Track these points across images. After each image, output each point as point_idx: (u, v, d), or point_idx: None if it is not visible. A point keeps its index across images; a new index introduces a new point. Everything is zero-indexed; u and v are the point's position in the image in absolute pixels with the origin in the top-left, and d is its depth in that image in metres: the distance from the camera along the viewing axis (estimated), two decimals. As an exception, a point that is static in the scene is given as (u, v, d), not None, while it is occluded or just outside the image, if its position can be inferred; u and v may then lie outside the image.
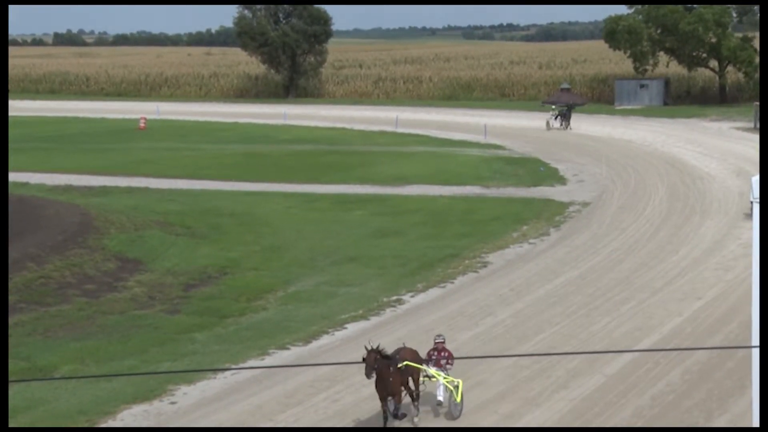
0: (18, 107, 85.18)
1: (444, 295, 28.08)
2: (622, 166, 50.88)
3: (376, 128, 71.42)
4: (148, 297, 27.89)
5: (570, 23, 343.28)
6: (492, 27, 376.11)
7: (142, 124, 73.41)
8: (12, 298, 26.47)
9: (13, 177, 42.39)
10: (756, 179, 12.02)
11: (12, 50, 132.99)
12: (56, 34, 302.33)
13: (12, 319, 24.90)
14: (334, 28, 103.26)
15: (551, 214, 39.17)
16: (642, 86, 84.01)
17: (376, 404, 19.68)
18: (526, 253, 32.94)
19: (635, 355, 22.00)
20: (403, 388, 18.25)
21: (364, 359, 17.70)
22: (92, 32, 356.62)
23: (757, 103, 63.93)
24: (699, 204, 40.21)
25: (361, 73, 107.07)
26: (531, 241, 34.61)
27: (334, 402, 19.85)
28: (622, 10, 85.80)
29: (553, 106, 70.67)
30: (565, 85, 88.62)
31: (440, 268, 30.88)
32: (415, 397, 18.57)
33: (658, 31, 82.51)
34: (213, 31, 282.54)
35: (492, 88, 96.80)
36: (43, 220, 34.72)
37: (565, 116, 67.69)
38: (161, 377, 21.02)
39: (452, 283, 29.34)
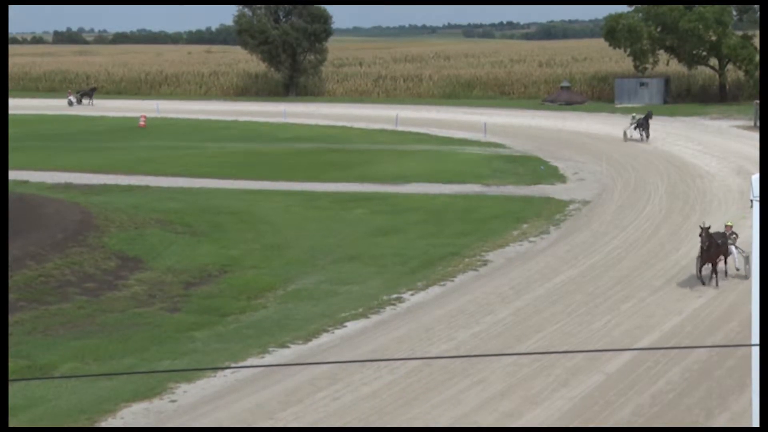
0: (18, 105, 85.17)
1: (444, 293, 28.10)
2: (622, 164, 50.87)
3: (376, 126, 71.43)
4: (149, 295, 27.91)
5: (570, 21, 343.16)
6: (492, 25, 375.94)
7: (142, 123, 73.40)
8: (12, 297, 26.49)
9: (13, 175, 42.37)
10: (756, 177, 12.01)
11: (12, 48, 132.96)
12: (56, 33, 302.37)
13: (12, 318, 24.92)
14: (334, 26, 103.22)
15: (551, 212, 39.18)
16: (642, 84, 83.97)
17: (375, 403, 19.72)
18: (527, 251, 32.95)
19: (635, 353, 22.02)
20: None
21: None
22: (92, 30, 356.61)
23: (757, 102, 63.93)
24: (699, 202, 40.22)
25: (361, 71, 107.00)
26: (531, 239, 34.63)
27: (334, 400, 19.87)
28: (622, 9, 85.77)
29: (634, 114, 61.39)
30: (566, 84, 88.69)
31: (440, 266, 30.90)
32: None
33: (658, 30, 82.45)
34: (213, 29, 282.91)
35: (492, 86, 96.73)
36: (43, 219, 34.71)
37: (642, 125, 58.70)
38: (161, 376, 21.05)
39: (452, 281, 29.36)
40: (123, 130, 71.58)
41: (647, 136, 58.14)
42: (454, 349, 22.94)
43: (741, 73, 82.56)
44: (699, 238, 27.58)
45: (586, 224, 36.81)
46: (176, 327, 24.98)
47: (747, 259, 27.18)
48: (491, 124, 66.74)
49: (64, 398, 20.30)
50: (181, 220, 37.24)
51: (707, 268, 27.77)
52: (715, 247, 27.31)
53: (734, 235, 28.77)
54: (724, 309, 25.63)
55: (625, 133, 59.33)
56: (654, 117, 60.17)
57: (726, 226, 29.00)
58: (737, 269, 28.26)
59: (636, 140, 58.09)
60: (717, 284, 27.43)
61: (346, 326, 25.08)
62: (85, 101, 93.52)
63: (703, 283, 27.51)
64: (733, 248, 28.36)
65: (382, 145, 61.61)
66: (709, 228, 27.27)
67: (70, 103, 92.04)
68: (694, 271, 28.24)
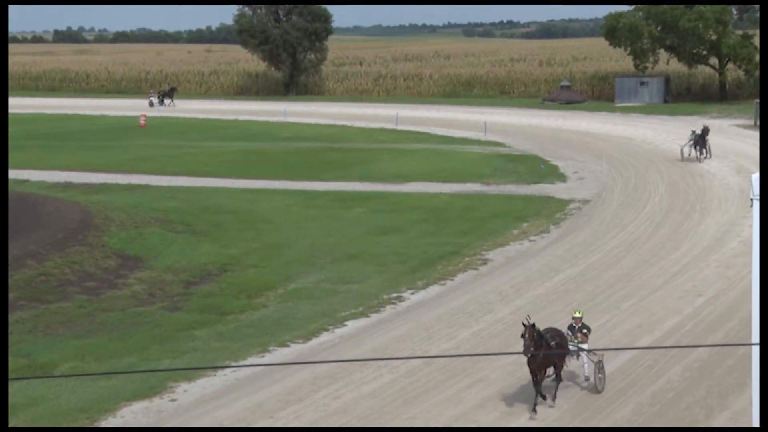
0: (18, 104, 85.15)
1: (444, 292, 28.10)
2: (622, 163, 50.88)
3: (376, 125, 71.42)
4: (149, 294, 27.91)
5: (570, 20, 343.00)
6: (492, 24, 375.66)
7: (142, 122, 73.37)
8: (12, 296, 26.49)
9: (13, 174, 42.39)
10: (756, 176, 12.00)
11: (12, 47, 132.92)
12: (56, 32, 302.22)
13: (12, 317, 24.92)
14: (334, 25, 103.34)
15: (551, 211, 39.18)
16: (642, 84, 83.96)
17: (375, 402, 19.72)
18: (527, 250, 32.95)
19: (635, 352, 22.02)
20: None
21: None
22: (92, 29, 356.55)
23: (758, 101, 63.91)
24: (699, 201, 40.20)
25: (361, 70, 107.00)
26: (531, 238, 34.63)
27: (334, 399, 19.88)
28: (622, 8, 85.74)
29: (693, 129, 52.71)
30: (566, 83, 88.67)
31: (440, 265, 30.90)
32: None
33: (659, 29, 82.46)
34: (213, 28, 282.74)
35: (492, 85, 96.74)
36: (43, 218, 34.73)
37: (699, 143, 50.36)
38: (162, 375, 21.06)
39: (452, 280, 29.36)
40: (123, 129, 71.57)
41: (709, 155, 50.37)
42: (454, 348, 22.94)
43: (741, 72, 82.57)
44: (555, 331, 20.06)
45: (586, 223, 36.80)
46: (176, 326, 24.98)
47: (600, 365, 19.89)
48: (491, 123, 66.73)
49: (64, 397, 20.30)
50: (181, 219, 37.23)
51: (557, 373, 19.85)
52: (546, 351, 19.17)
53: (584, 331, 20.53)
54: (724, 308, 25.61)
55: (681, 151, 51.11)
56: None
57: (573, 318, 20.73)
58: (587, 378, 20.35)
59: (693, 160, 50.05)
60: (554, 399, 19.48)
61: (346, 325, 25.08)
62: (166, 102, 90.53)
63: (534, 408, 19.02)
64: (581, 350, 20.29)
65: (382, 144, 61.61)
66: (533, 325, 19.04)
67: (151, 104, 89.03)
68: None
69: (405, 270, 30.42)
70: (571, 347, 20.00)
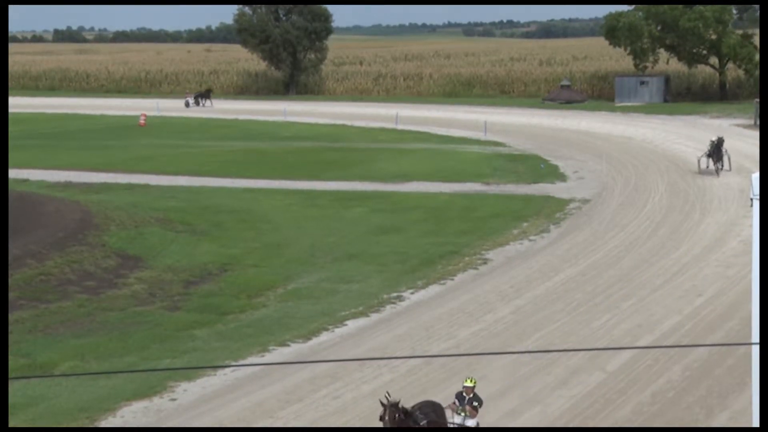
0: (18, 104, 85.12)
1: (444, 291, 28.10)
2: (622, 163, 50.87)
3: (376, 125, 71.41)
4: (149, 294, 27.91)
5: (570, 20, 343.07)
6: (492, 24, 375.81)
7: (142, 121, 73.39)
8: (12, 295, 26.48)
9: (13, 174, 42.38)
10: (756, 176, 12.02)
11: (12, 47, 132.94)
12: (56, 31, 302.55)
13: (12, 316, 24.91)
14: (334, 24, 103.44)
15: (551, 211, 39.18)
16: (642, 83, 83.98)
17: (376, 401, 19.70)
18: (527, 250, 32.95)
19: (635, 351, 22.02)
20: None
21: None
22: (92, 29, 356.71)
23: (758, 100, 63.88)
24: (699, 201, 40.20)
25: (361, 70, 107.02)
26: (531, 238, 34.63)
27: (334, 399, 19.87)
28: (622, 7, 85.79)
29: (712, 139, 47.78)
30: (566, 82, 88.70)
31: (440, 264, 30.90)
32: None
33: (659, 28, 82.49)
34: (213, 28, 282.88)
35: (492, 85, 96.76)
36: (43, 217, 34.74)
37: (713, 154, 46.09)
38: (161, 374, 21.05)
39: (452, 279, 29.36)
40: (123, 128, 71.58)
41: (729, 166, 46.40)
42: (454, 347, 22.93)
43: (741, 72, 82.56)
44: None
45: (586, 223, 36.81)
46: (176, 325, 24.99)
47: None
48: (491, 122, 66.72)
49: (64, 397, 20.29)
50: (181, 219, 37.25)
51: None
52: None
53: (475, 404, 16.79)
54: (724, 307, 25.60)
55: (699, 162, 47.09)
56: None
57: (464, 386, 16.89)
58: None
59: (711, 172, 45.92)
60: None
61: (346, 325, 25.07)
62: (202, 102, 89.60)
63: None
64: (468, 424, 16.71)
65: (382, 143, 61.61)
66: (398, 403, 15.50)
67: (187, 105, 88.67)
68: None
69: (405, 270, 30.42)
70: (456, 420, 16.62)
